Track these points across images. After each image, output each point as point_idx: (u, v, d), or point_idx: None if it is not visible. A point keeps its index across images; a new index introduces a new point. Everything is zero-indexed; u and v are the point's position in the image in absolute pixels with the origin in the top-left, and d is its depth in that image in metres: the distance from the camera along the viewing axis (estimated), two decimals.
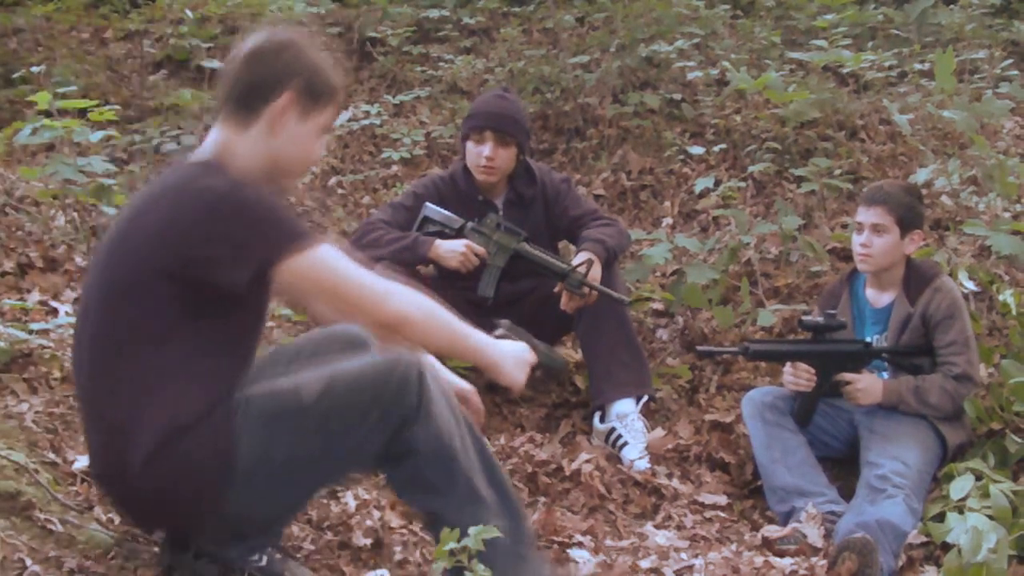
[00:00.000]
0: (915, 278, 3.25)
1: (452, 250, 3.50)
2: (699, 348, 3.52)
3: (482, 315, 3.66)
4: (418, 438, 2.14)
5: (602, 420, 3.48)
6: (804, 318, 3.26)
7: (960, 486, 2.94)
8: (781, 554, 2.82)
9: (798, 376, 3.21)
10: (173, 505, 2.10)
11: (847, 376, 3.20)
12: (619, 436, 3.40)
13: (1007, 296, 3.61)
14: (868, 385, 3.19)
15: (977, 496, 2.90)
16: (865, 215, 3.24)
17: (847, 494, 3.07)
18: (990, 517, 2.79)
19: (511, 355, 2.30)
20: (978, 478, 2.97)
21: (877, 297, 3.32)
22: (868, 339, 3.28)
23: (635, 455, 3.33)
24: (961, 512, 2.84)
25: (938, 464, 3.11)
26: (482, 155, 3.61)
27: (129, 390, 2.06)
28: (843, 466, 3.33)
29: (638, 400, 3.50)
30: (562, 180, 3.81)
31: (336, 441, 2.12)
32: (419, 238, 3.55)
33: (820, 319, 3.21)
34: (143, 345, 2.05)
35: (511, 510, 2.24)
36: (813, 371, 3.20)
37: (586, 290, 3.43)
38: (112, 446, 2.09)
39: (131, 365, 2.06)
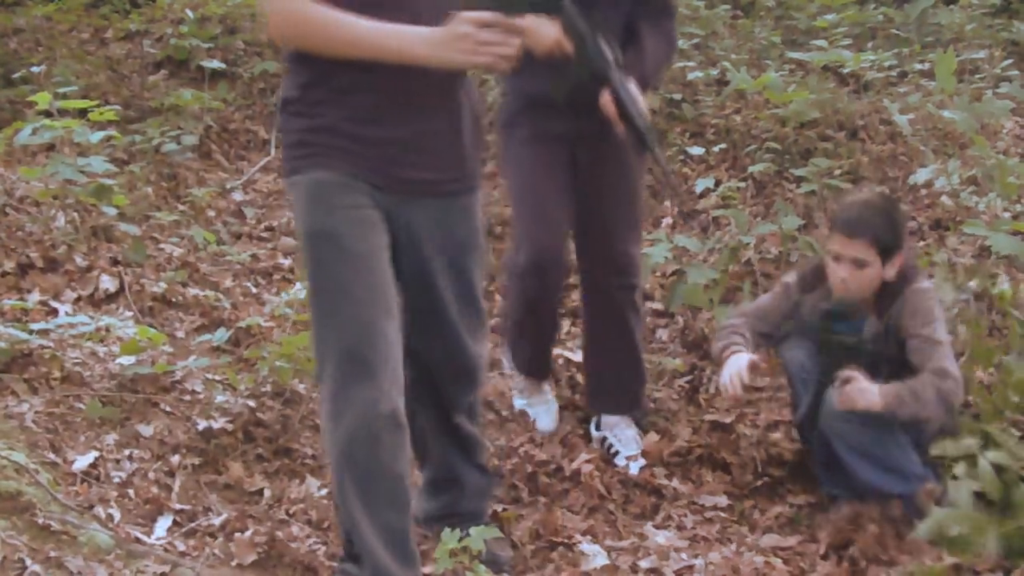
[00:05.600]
0: (887, 293, 3.04)
1: (539, 35, 2.89)
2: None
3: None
4: None
5: (598, 427, 3.47)
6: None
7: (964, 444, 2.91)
8: None
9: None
10: None
11: (849, 373, 2.94)
12: (611, 445, 3.39)
13: (1004, 285, 3.56)
14: (867, 391, 2.91)
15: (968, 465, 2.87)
16: (846, 248, 2.99)
17: None
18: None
19: (426, 36, 2.18)
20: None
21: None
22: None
23: (624, 462, 3.31)
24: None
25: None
26: None
27: None
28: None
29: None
30: None
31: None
32: None
33: (815, 308, 3.06)
34: None
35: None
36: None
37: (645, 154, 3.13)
38: None
39: None
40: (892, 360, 3.02)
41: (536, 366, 3.55)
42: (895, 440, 2.93)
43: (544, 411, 3.54)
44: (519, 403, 3.57)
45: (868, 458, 2.93)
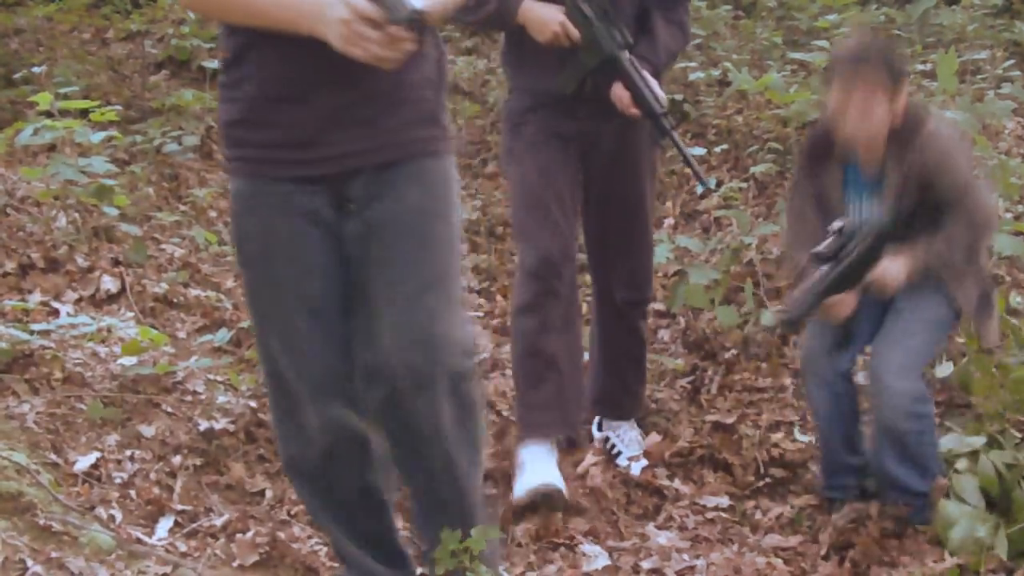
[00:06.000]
0: (899, 140, 2.83)
1: (544, 22, 2.96)
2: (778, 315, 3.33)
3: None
4: None
5: (600, 428, 3.46)
6: (819, 250, 2.87)
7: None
8: None
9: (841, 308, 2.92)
10: None
11: (872, 279, 2.85)
12: (613, 446, 3.38)
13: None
14: (890, 269, 2.84)
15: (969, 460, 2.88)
16: (849, 85, 2.76)
17: None
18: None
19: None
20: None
21: (866, 164, 2.95)
22: (865, 215, 2.95)
23: (625, 463, 3.31)
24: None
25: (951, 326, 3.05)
26: None
27: None
28: None
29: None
30: None
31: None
32: None
33: (832, 243, 2.87)
34: None
35: None
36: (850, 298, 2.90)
37: (663, 139, 3.02)
38: None
39: None
40: (919, 209, 2.88)
41: (543, 412, 3.10)
42: (932, 437, 2.90)
43: (536, 470, 3.02)
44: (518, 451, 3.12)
45: (900, 449, 2.88)
